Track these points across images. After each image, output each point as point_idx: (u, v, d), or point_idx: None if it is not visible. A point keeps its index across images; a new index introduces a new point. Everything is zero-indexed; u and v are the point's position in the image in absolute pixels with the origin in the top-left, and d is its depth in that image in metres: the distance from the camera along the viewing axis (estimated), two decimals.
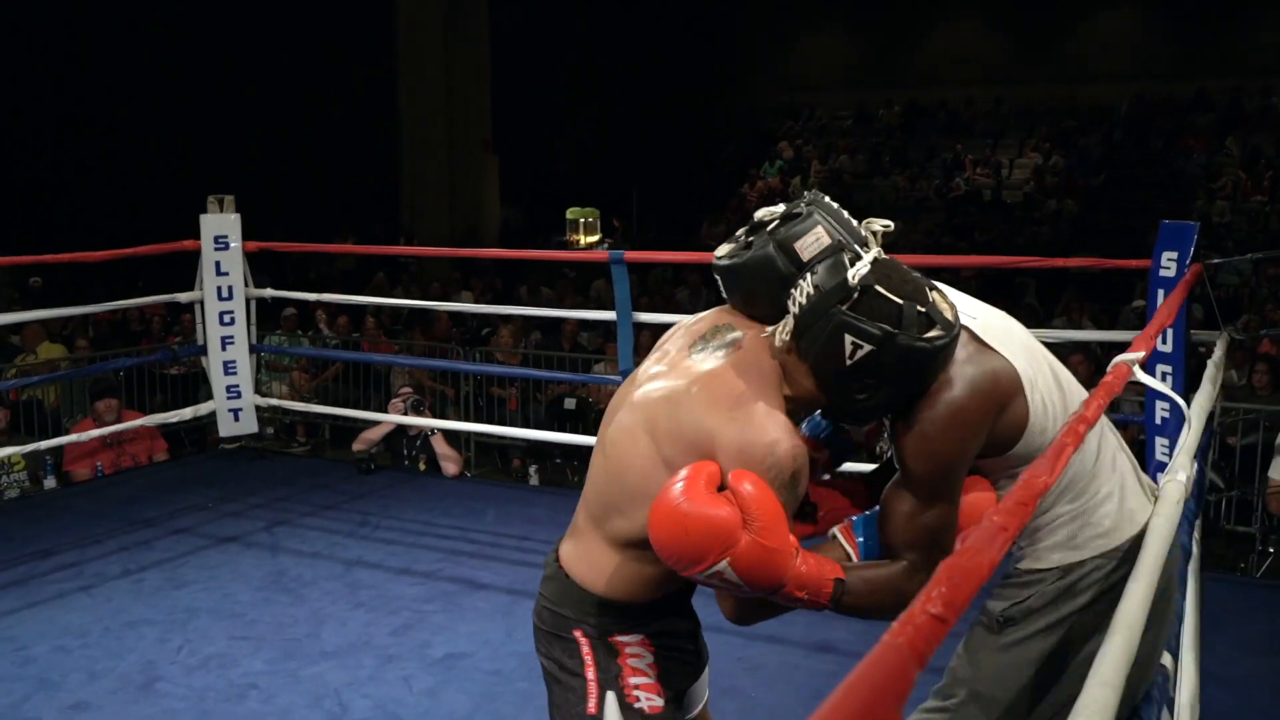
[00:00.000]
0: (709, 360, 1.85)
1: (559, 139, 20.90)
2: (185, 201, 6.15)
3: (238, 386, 6.07)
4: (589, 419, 7.88)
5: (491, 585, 4.35)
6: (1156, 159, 17.56)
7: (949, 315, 1.72)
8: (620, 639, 1.91)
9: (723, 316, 1.93)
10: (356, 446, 6.22)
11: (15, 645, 3.79)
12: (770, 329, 1.83)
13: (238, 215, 5.97)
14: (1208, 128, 17.70)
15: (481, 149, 18.00)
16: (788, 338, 1.76)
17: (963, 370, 1.75)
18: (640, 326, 5.21)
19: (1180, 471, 1.92)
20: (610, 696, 1.89)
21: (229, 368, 6.03)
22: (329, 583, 4.40)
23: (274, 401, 6.81)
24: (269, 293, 6.15)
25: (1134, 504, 1.89)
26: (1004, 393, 1.77)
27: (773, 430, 1.74)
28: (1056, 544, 1.88)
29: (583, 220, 17.65)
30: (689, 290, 11.78)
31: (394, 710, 3.34)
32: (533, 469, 6.46)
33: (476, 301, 11.18)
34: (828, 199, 1.89)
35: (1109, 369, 1.98)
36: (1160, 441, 4.12)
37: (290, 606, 4.15)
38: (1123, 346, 2.14)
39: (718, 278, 1.92)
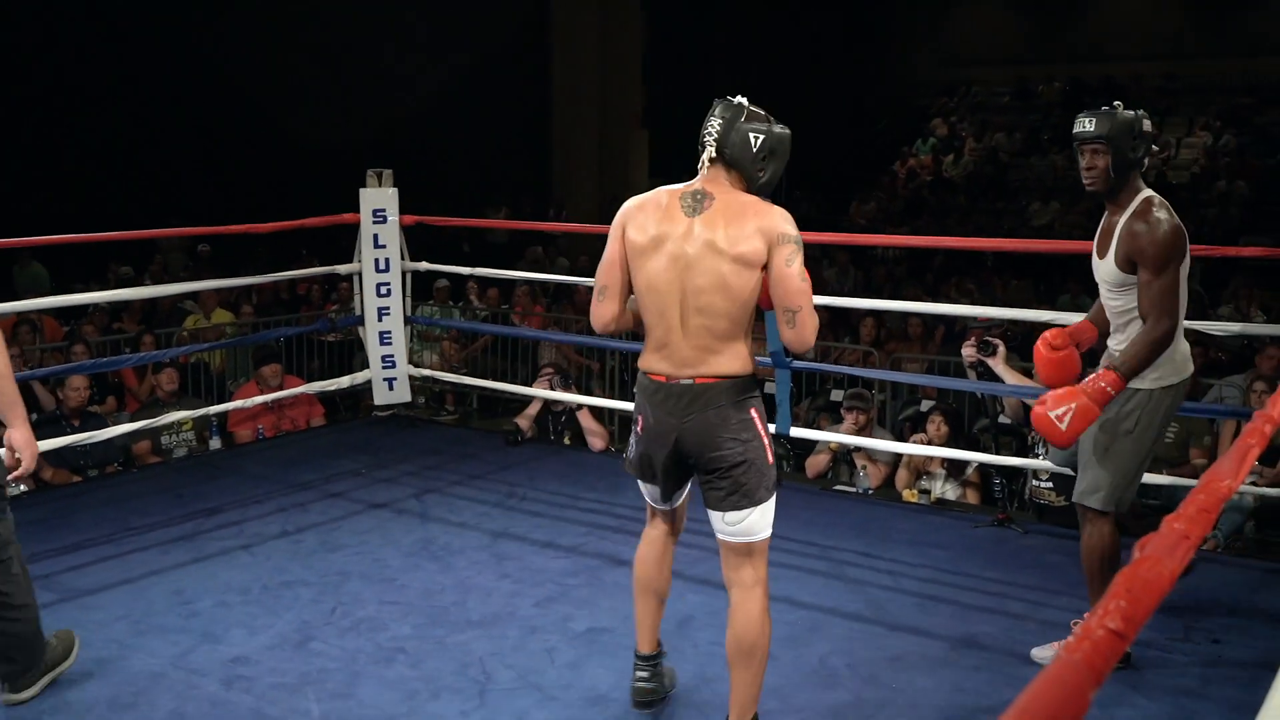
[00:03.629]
0: (706, 208, 2.78)
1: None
2: (346, 176, 6.32)
3: (392, 356, 6.23)
4: None
5: (634, 562, 4.36)
6: None
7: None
8: (760, 406, 2.89)
9: (672, 194, 2.86)
10: (520, 422, 6.26)
11: (182, 599, 3.98)
12: (704, 175, 2.85)
13: (395, 189, 6.11)
14: None
15: (632, 123, 18.04)
16: (711, 165, 2.83)
17: None
18: None
19: None
20: (770, 446, 2.88)
21: (384, 338, 6.19)
22: (476, 552, 4.49)
23: (425, 372, 6.96)
24: (424, 265, 6.28)
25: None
26: None
27: (781, 215, 2.78)
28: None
29: None
30: (837, 269, 11.60)
31: (536, 681, 3.39)
32: None
33: None
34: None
35: None
36: None
37: (438, 574, 4.25)
38: None
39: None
